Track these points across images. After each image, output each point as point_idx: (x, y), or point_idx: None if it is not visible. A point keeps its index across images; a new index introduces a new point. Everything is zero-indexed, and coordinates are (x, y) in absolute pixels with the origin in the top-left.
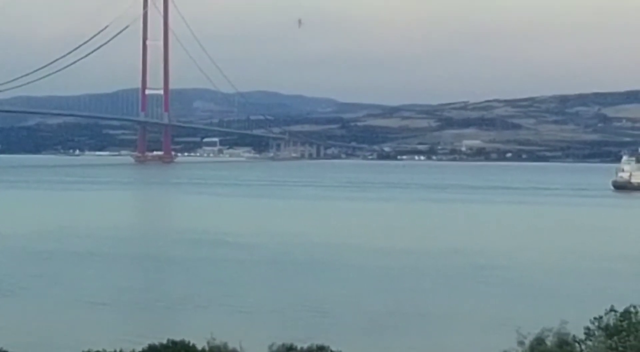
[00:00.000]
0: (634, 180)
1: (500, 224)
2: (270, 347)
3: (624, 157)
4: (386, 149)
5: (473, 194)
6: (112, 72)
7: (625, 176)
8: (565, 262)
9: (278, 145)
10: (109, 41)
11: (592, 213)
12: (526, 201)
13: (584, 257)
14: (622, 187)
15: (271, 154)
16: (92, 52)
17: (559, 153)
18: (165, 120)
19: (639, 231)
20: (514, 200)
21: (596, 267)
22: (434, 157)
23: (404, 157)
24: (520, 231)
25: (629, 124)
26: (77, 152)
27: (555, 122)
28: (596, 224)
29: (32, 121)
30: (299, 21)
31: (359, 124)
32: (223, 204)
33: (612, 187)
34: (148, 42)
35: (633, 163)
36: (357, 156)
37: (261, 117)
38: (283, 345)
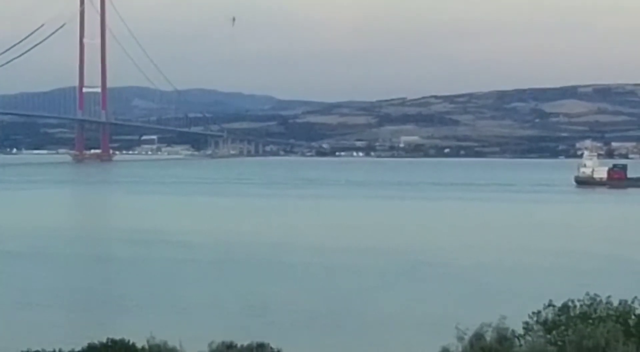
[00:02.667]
0: (596, 175)
1: (454, 222)
2: (210, 345)
3: (586, 153)
4: (324, 145)
5: (437, 191)
6: (49, 70)
7: (587, 171)
8: (510, 258)
9: (216, 143)
10: (45, 39)
11: (554, 209)
12: (490, 198)
13: (530, 253)
14: (584, 182)
15: (209, 152)
16: (29, 50)
17: (497, 149)
18: (103, 119)
19: (594, 226)
20: (477, 197)
21: (540, 262)
22: (372, 154)
23: (343, 153)
24: (471, 228)
25: (566, 120)
26: (14, 150)
27: (493, 117)
28: (555, 220)
29: None
30: (233, 19)
31: (297, 120)
32: (162, 202)
33: (574, 183)
34: (85, 41)
35: (595, 158)
36: (296, 153)
37: (199, 115)
38: (223, 343)
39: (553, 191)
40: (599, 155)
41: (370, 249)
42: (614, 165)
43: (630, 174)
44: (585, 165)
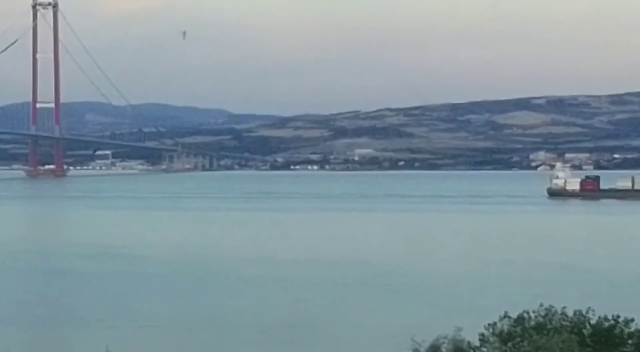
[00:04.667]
0: (569, 187)
1: (418, 233)
2: None
3: (558, 164)
4: (279, 159)
5: (404, 203)
6: (2, 86)
7: (560, 182)
8: (470, 269)
9: (171, 157)
10: None
11: (524, 220)
12: (463, 210)
13: (492, 263)
14: (557, 194)
15: (164, 166)
16: None
17: (451, 161)
18: (57, 134)
19: (562, 237)
20: (449, 209)
21: (500, 273)
22: (327, 167)
23: (297, 167)
24: (435, 239)
25: (520, 131)
26: None
27: (447, 130)
28: (524, 231)
29: None
30: (184, 33)
31: (251, 134)
32: (117, 216)
33: (546, 194)
34: (38, 56)
35: (567, 170)
36: (250, 167)
37: (153, 129)
38: None
39: (525, 203)
40: (551, 166)
41: (327, 261)
42: (587, 177)
43: (603, 185)
44: (557, 177)
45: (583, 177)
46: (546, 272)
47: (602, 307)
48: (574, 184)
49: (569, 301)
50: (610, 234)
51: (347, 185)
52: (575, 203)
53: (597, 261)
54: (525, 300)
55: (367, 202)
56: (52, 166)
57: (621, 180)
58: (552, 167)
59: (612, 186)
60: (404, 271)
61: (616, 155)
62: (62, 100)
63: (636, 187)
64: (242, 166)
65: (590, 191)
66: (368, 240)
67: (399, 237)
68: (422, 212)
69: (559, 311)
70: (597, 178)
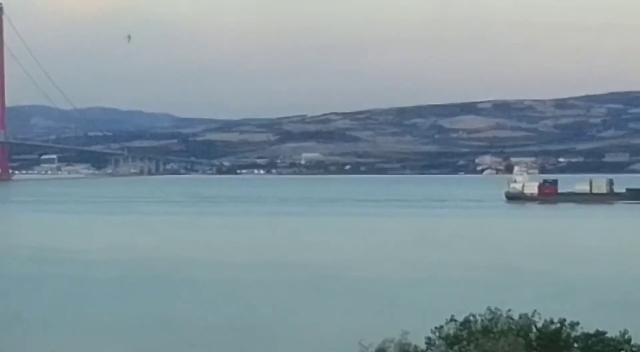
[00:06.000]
0: (527, 190)
1: (372, 237)
2: None
3: (516, 168)
4: (225, 163)
5: (363, 207)
6: None
7: (518, 186)
8: (420, 272)
9: (117, 161)
10: None
11: (480, 224)
12: (420, 214)
13: (442, 267)
14: (515, 197)
15: (110, 170)
16: None
17: (397, 165)
18: (2, 138)
19: (515, 240)
20: (408, 213)
21: (449, 277)
22: (273, 171)
23: (244, 171)
24: (389, 243)
25: (465, 135)
26: None
27: (393, 134)
28: (478, 235)
29: None
30: (128, 37)
31: (197, 138)
32: (63, 221)
33: (504, 198)
34: None
35: (525, 174)
36: (197, 171)
37: (99, 133)
38: None
39: (483, 207)
40: (497, 170)
41: (276, 264)
42: (545, 181)
43: (561, 188)
44: (515, 181)
45: (541, 180)
46: (496, 275)
47: (548, 311)
48: (532, 188)
49: (516, 304)
50: (565, 238)
51: (294, 189)
52: (533, 207)
53: (548, 264)
54: (473, 303)
55: (316, 206)
56: None
57: (579, 183)
58: (498, 171)
59: (570, 190)
60: (353, 275)
61: (561, 159)
62: (7, 104)
63: (594, 191)
64: (188, 170)
65: (548, 194)
66: (318, 243)
67: (351, 241)
68: (379, 216)
69: (505, 314)
70: (555, 182)
